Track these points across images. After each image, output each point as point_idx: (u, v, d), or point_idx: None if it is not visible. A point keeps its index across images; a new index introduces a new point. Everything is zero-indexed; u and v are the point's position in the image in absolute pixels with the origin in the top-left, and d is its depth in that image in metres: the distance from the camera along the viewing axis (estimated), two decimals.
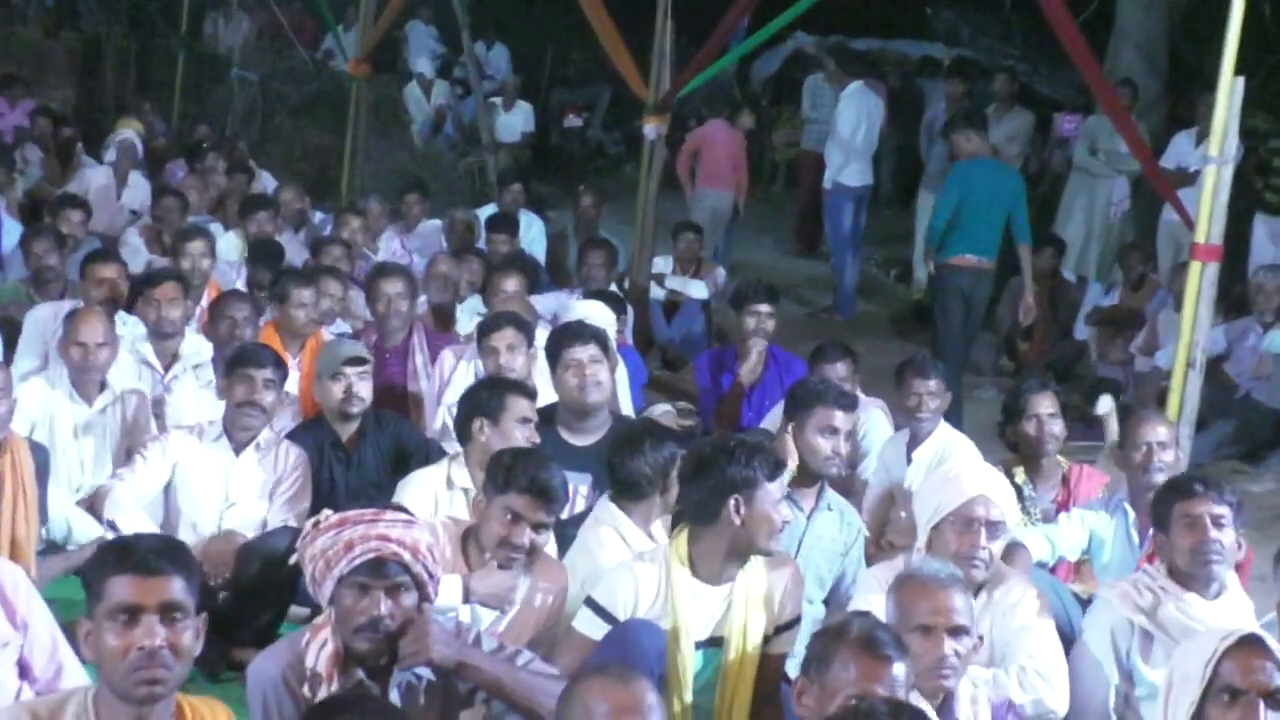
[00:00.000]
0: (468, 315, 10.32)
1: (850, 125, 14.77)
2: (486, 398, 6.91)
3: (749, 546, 5.54)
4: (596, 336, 7.69)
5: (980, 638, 5.13)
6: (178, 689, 4.04)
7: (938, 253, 11.39)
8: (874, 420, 8.76)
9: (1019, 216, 11.40)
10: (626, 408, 9.05)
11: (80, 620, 4.04)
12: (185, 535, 6.94)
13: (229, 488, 7.27)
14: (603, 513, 6.43)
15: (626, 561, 5.78)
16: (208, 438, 7.33)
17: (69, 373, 8.03)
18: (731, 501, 5.48)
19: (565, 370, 7.53)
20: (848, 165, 14.77)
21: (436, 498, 6.74)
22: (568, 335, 7.69)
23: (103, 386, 8.10)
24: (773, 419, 8.39)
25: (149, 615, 3.92)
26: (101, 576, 3.98)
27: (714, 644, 5.57)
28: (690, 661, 5.50)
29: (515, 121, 20.33)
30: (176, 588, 3.97)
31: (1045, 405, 7.64)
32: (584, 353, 7.53)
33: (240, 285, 10.83)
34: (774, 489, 5.53)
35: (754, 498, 5.48)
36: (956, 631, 4.87)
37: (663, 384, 11.49)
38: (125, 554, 4.04)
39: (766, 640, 5.62)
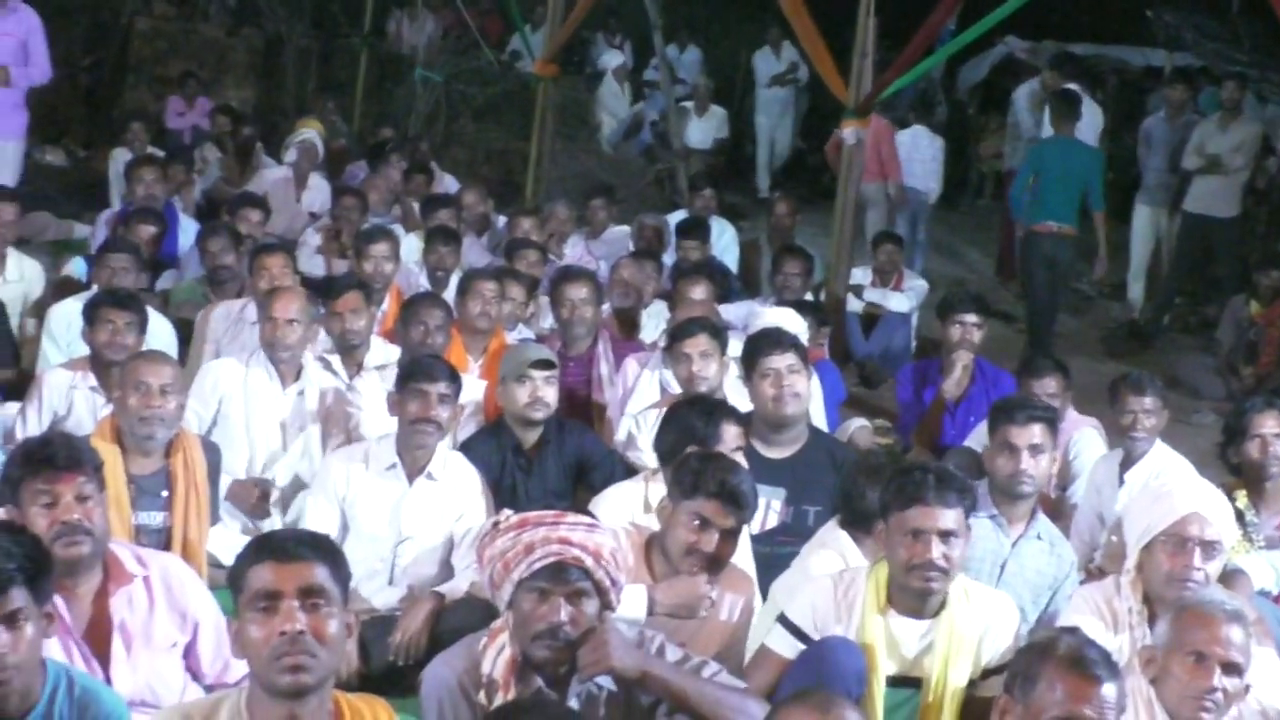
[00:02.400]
0: (653, 322, 10.34)
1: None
2: (702, 425, 6.75)
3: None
4: (795, 345, 7.59)
5: (1248, 686, 4.95)
6: (328, 681, 4.07)
7: (1025, 222, 13.38)
8: (1086, 440, 8.63)
9: (1094, 188, 13.16)
10: (821, 426, 8.98)
11: (230, 620, 4.13)
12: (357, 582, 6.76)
13: (402, 522, 7.13)
14: (829, 537, 6.38)
15: (824, 580, 5.68)
16: (377, 466, 7.19)
17: (264, 351, 8.27)
18: (878, 527, 5.47)
19: (762, 380, 7.41)
20: None
21: (634, 520, 6.61)
22: (765, 343, 7.56)
23: (298, 375, 8.32)
24: (978, 437, 8.29)
25: (288, 600, 3.98)
26: (243, 570, 4.06)
27: (911, 683, 5.46)
28: (880, 697, 5.40)
29: (708, 127, 20.30)
30: (318, 573, 4.03)
31: (1270, 424, 7.46)
32: (782, 361, 7.40)
33: (423, 281, 10.98)
34: (912, 516, 5.33)
35: (890, 526, 5.41)
36: (1230, 668, 4.77)
37: (860, 402, 11.41)
38: (264, 543, 4.14)
39: (972, 683, 5.46)
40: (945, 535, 5.32)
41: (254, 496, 7.97)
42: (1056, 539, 6.82)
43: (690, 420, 6.81)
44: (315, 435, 8.26)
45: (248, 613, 4.01)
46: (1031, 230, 13.20)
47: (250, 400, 8.21)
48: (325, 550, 4.11)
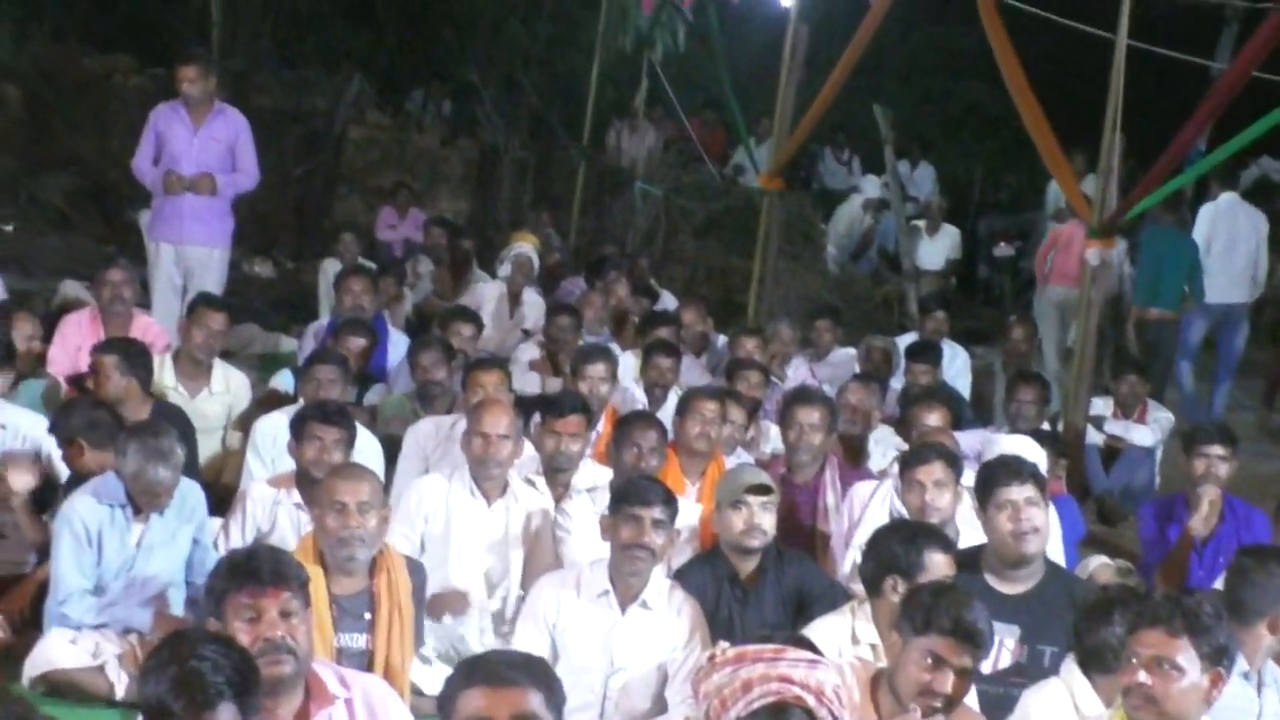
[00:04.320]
0: (880, 448, 10.27)
1: (1203, 237, 15.04)
2: (903, 553, 6.69)
3: None
4: (1035, 476, 7.41)
5: None
6: None
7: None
8: None
9: (1195, 277, 14.64)
10: (1059, 563, 8.84)
11: None
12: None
13: (614, 652, 7.11)
14: (1065, 672, 6.28)
15: None
16: (589, 593, 7.18)
17: (469, 468, 8.32)
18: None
19: (999, 511, 7.21)
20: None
21: (840, 653, 6.56)
22: (1003, 472, 7.37)
23: (503, 491, 8.34)
24: None
25: None
26: (453, 693, 4.04)
27: None
28: None
29: (940, 247, 20.21)
30: (531, 701, 4.00)
31: None
32: (1020, 493, 7.20)
33: (641, 398, 11.04)
34: (1133, 640, 5.29)
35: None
36: None
37: (1099, 540, 11.22)
38: (475, 667, 4.10)
39: None
40: (1158, 662, 5.21)
41: (460, 602, 8.05)
42: None
43: (892, 546, 6.77)
44: (518, 558, 8.32)
45: None
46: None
47: (453, 519, 8.27)
48: (539, 675, 4.07)
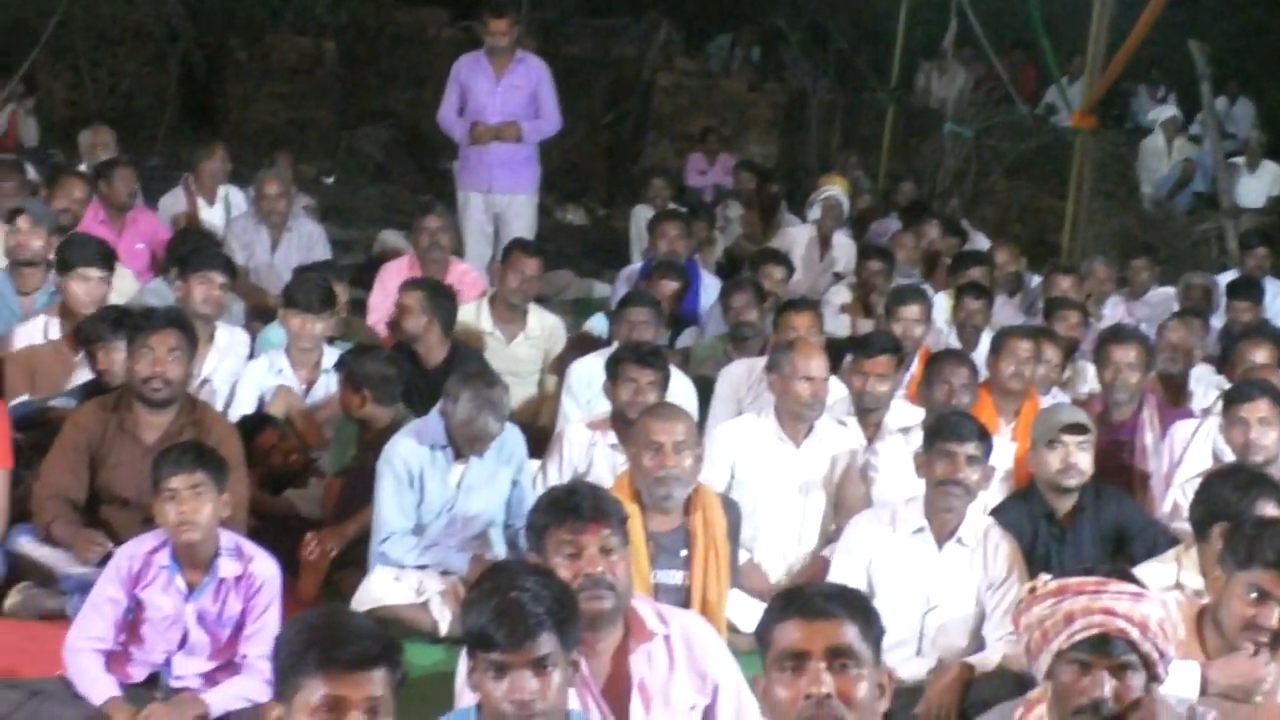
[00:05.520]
0: (1201, 387, 10.08)
1: None
2: (1235, 500, 6.51)
3: None
4: None
5: None
6: None
7: None
8: None
9: None
10: None
11: (758, 678, 4.12)
12: None
13: (929, 588, 7.10)
14: None
15: None
16: (904, 529, 7.17)
17: (777, 410, 8.33)
18: None
19: None
20: None
21: (1164, 605, 6.48)
22: None
23: (809, 432, 8.33)
24: None
25: (815, 661, 3.94)
26: (770, 625, 4.05)
27: None
28: None
29: (1260, 184, 19.71)
30: (847, 633, 3.98)
31: None
32: None
33: (953, 340, 10.96)
34: None
35: None
36: None
37: None
38: (792, 598, 4.11)
39: None
40: None
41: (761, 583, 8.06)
42: None
43: (1224, 492, 6.60)
44: (821, 499, 8.33)
45: (774, 672, 4.01)
46: None
47: (761, 462, 8.28)
48: (856, 607, 4.07)
